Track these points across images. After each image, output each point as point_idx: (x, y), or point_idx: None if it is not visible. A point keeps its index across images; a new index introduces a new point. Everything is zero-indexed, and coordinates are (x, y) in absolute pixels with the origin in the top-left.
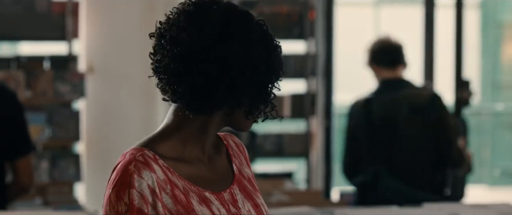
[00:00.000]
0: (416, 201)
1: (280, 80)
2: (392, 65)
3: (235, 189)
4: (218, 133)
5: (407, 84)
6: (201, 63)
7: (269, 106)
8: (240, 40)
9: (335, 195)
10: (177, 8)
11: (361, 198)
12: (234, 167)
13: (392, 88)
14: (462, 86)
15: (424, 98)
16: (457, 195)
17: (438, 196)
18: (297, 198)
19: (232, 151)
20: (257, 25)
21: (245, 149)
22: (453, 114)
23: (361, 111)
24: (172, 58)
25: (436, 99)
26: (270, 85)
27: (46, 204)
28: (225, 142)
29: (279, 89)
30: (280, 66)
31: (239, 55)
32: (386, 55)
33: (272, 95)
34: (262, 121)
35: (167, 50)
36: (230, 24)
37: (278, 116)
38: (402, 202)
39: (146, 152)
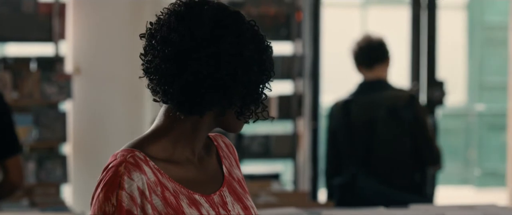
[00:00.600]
0: (394, 202)
1: (271, 81)
2: (370, 65)
3: (225, 191)
4: (209, 134)
5: (385, 85)
6: (192, 64)
7: (260, 107)
8: (231, 40)
9: (322, 196)
10: (167, 8)
11: (341, 199)
12: (224, 169)
13: (370, 89)
14: (435, 86)
15: (401, 100)
16: (430, 194)
17: (416, 196)
18: (284, 199)
19: (222, 152)
20: (248, 25)
21: (235, 150)
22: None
23: (340, 112)
24: (163, 58)
25: (413, 100)
26: (261, 86)
27: (33, 205)
28: (215, 143)
29: (270, 90)
30: (271, 67)
31: (230, 55)
32: (364, 55)
33: (264, 96)
34: (254, 121)
35: (157, 51)
36: (221, 24)
37: (270, 117)
38: (380, 202)
39: (137, 153)
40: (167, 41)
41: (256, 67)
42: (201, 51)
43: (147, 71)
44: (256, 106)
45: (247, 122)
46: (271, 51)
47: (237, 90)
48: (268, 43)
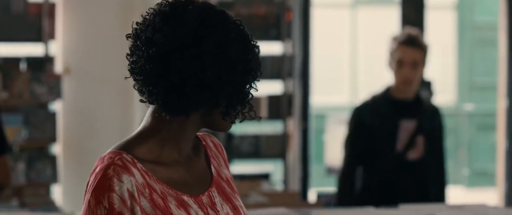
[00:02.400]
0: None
1: (258, 80)
2: None
3: (214, 192)
4: (197, 133)
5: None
6: (176, 64)
7: (247, 107)
8: (216, 40)
9: (312, 196)
10: (153, 8)
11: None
12: (213, 169)
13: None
14: (423, 86)
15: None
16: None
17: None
18: (274, 199)
19: (210, 152)
20: (233, 25)
21: (224, 150)
22: None
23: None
24: (147, 59)
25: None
26: (247, 86)
27: (23, 205)
28: (204, 143)
29: (257, 90)
30: (257, 67)
31: (214, 55)
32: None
33: (250, 96)
34: (241, 121)
35: (142, 51)
36: (206, 24)
37: (256, 117)
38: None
39: (124, 155)
40: (151, 41)
41: (242, 67)
42: (185, 52)
43: (132, 72)
44: (243, 107)
45: (234, 122)
46: (258, 51)
47: (222, 91)
48: (254, 43)
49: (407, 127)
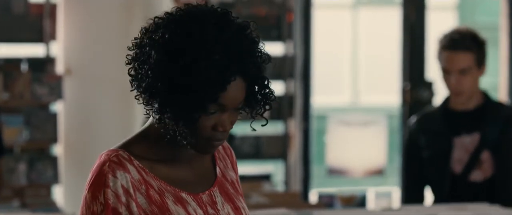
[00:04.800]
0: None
1: (208, 106)
2: None
3: (216, 191)
4: None
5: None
6: (131, 66)
7: (195, 134)
8: (160, 48)
9: (313, 197)
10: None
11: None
12: (218, 169)
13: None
14: (424, 86)
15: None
16: None
17: None
18: (275, 200)
19: (218, 153)
20: (187, 32)
21: (233, 153)
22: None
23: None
24: (129, 63)
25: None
26: (189, 104)
27: (24, 206)
28: None
29: (194, 119)
30: (202, 89)
31: (156, 61)
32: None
33: (191, 121)
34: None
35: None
36: (155, 26)
37: (191, 144)
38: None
39: (121, 152)
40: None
41: (176, 80)
42: (135, 52)
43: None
44: (186, 126)
45: (200, 145)
46: (207, 72)
47: (164, 99)
48: (207, 63)
49: (465, 142)
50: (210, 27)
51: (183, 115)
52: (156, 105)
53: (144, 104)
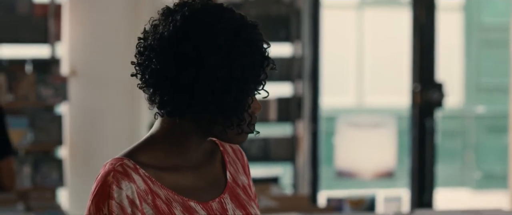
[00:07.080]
0: None
1: (258, 93)
2: None
3: (226, 198)
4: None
5: None
6: (151, 64)
7: (245, 120)
8: (194, 43)
9: (322, 200)
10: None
11: None
12: (228, 175)
13: None
14: (434, 88)
15: None
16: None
17: None
18: (284, 204)
19: (228, 157)
20: (222, 31)
21: (244, 155)
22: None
23: None
24: (137, 56)
25: None
26: (237, 96)
27: (29, 209)
28: (221, 148)
29: (245, 104)
30: (244, 77)
31: (189, 59)
32: None
33: (243, 107)
34: (239, 133)
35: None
36: (187, 25)
37: (255, 131)
38: None
39: (126, 161)
40: (141, 38)
41: (223, 75)
42: (163, 52)
43: (141, 73)
44: (238, 118)
45: (240, 134)
46: (250, 60)
47: (203, 97)
48: (248, 50)
49: None
50: (230, 12)
51: (241, 99)
52: (207, 98)
53: (170, 103)
